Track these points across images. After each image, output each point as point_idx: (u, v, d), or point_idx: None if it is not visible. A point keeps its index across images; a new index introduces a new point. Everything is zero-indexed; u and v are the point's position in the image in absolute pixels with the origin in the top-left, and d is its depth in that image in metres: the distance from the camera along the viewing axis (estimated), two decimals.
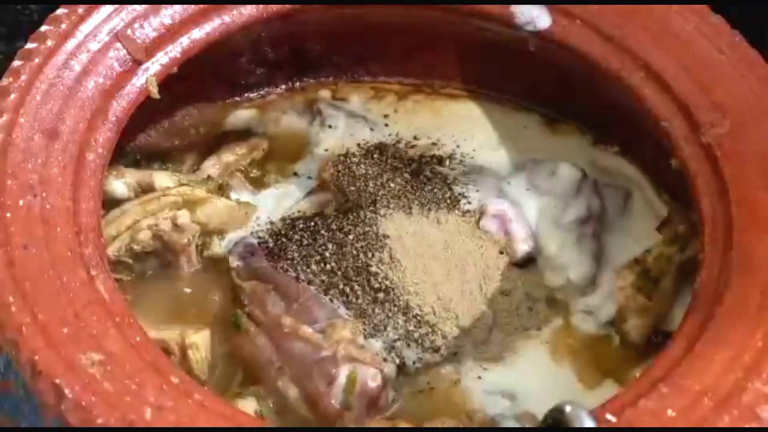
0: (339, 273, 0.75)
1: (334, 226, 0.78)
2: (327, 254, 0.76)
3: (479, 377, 0.73)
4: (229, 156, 0.84)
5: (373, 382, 0.69)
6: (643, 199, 0.84)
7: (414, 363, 0.73)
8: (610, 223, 0.82)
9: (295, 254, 0.76)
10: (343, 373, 0.69)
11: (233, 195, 0.83)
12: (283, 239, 0.78)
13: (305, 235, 0.78)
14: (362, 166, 0.82)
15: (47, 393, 0.56)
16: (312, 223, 0.79)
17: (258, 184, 0.85)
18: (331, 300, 0.74)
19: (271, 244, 0.78)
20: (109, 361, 0.58)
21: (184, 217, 0.76)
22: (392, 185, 0.81)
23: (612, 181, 0.84)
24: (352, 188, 0.81)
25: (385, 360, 0.71)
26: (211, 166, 0.83)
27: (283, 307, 0.73)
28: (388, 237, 0.77)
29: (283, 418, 0.69)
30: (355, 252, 0.76)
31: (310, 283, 0.74)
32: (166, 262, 0.77)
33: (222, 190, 0.82)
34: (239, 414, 0.59)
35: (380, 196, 0.80)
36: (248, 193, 0.83)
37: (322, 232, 0.77)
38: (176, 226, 0.76)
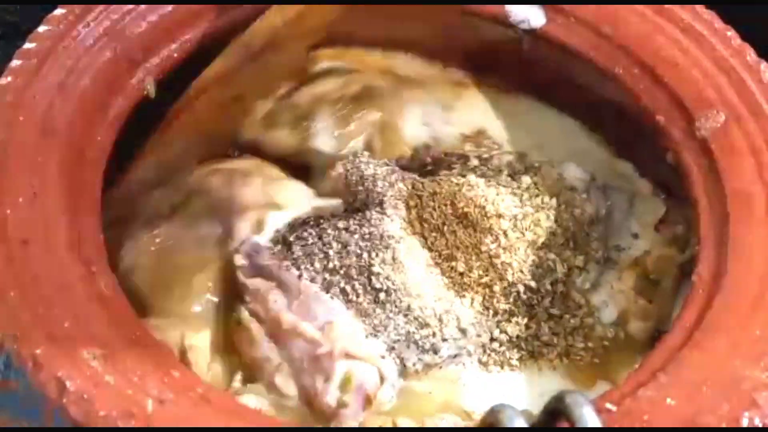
0: (341, 271, 0.74)
1: (340, 225, 0.76)
2: (331, 253, 0.75)
3: (479, 378, 0.73)
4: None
5: (371, 379, 0.69)
6: (643, 200, 0.84)
7: (414, 364, 0.72)
8: (616, 225, 0.82)
9: (300, 252, 0.75)
10: (339, 370, 0.69)
11: None
12: (290, 238, 0.77)
13: (312, 233, 0.76)
14: (371, 166, 0.81)
15: (49, 386, 0.56)
16: (320, 222, 0.78)
17: None
18: (332, 298, 0.73)
19: (277, 243, 0.77)
20: (110, 355, 0.58)
21: None
22: (401, 186, 0.79)
23: (618, 184, 0.84)
24: (360, 188, 0.80)
25: (383, 358, 0.71)
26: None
27: (286, 304, 0.73)
28: (392, 238, 0.76)
29: (281, 415, 0.69)
30: (358, 251, 0.75)
31: (312, 280, 0.74)
32: None
33: None
34: (241, 407, 0.59)
35: (388, 196, 0.78)
36: None
37: (329, 230, 0.76)
38: None
